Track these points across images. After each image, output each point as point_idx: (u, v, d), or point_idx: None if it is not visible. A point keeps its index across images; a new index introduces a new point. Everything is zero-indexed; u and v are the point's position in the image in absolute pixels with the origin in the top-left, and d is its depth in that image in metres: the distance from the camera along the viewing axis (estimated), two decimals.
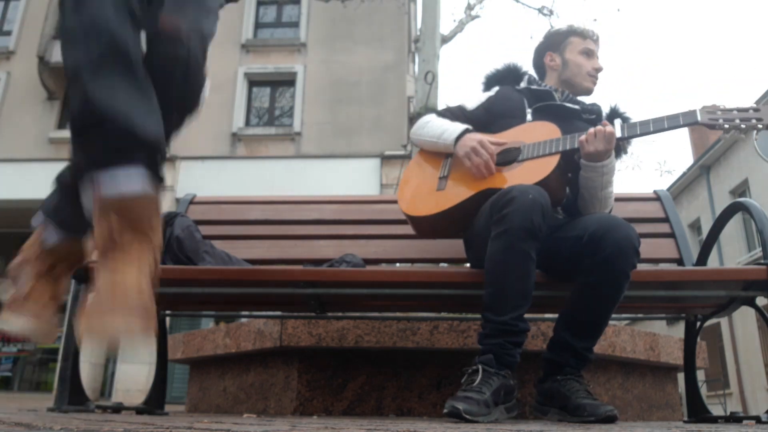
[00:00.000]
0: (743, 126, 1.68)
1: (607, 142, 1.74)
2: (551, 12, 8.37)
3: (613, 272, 1.59)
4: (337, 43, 11.95)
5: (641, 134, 1.75)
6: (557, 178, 1.77)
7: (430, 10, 6.29)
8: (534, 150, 1.81)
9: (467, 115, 2.07)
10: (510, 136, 1.92)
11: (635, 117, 2.05)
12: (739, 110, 1.70)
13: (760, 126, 1.66)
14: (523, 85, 2.13)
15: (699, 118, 1.70)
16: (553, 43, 2.15)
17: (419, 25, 6.53)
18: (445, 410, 1.41)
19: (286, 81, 12.00)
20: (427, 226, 1.92)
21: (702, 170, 17.83)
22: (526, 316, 1.59)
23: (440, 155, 2.00)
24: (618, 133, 1.76)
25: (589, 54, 2.10)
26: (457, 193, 1.85)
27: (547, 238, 1.66)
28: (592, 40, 2.12)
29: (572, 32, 2.14)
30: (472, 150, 1.83)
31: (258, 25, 12.64)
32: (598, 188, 1.82)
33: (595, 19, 18.44)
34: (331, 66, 11.79)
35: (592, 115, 2.05)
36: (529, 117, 2.00)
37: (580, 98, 2.12)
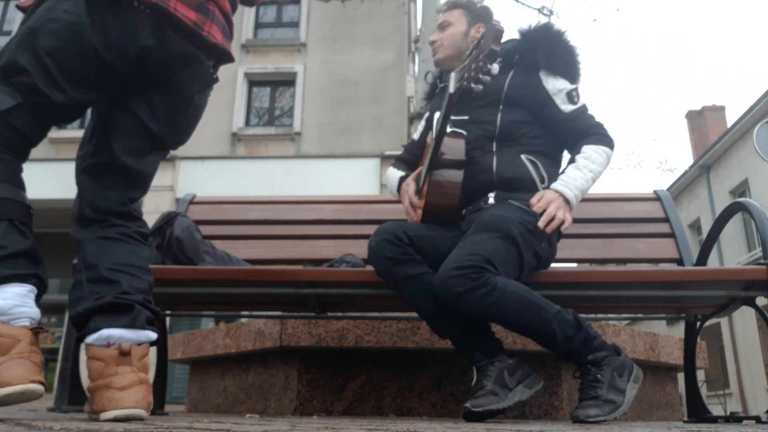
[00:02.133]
0: (477, 75, 1.50)
1: (556, 210, 1.71)
2: (551, 12, 8.37)
3: (451, 304, 1.58)
4: (337, 43, 11.95)
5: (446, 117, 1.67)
6: (438, 192, 1.76)
7: (430, 10, 6.29)
8: (422, 174, 1.90)
9: (417, 146, 2.19)
10: (424, 160, 1.97)
11: (546, 24, 1.95)
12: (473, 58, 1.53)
13: (489, 66, 1.47)
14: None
15: (451, 90, 1.60)
16: None
17: (419, 25, 6.53)
18: (462, 418, 1.47)
19: (286, 81, 12.00)
20: None
21: (702, 170, 17.83)
22: None
23: None
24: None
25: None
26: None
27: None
28: (439, 17, 2.10)
29: None
30: (407, 195, 1.97)
31: (258, 25, 12.64)
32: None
33: (595, 20, 18.49)
34: (331, 66, 11.79)
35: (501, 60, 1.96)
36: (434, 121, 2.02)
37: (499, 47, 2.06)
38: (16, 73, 1.27)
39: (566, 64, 1.89)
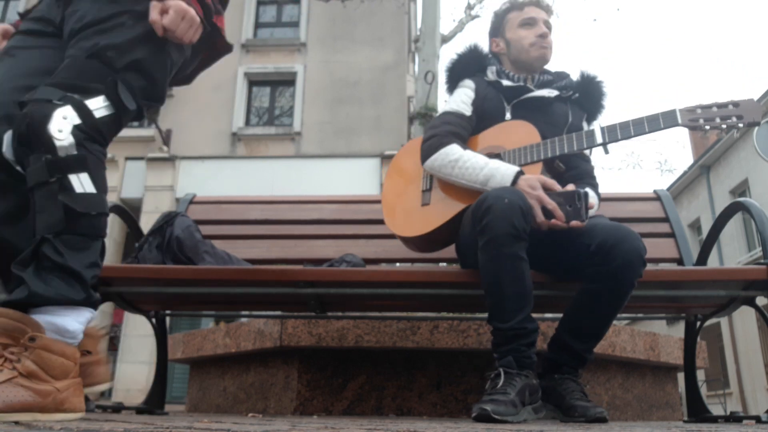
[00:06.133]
0: (724, 126, 1.65)
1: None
2: (551, 12, 8.36)
3: (620, 283, 1.60)
4: (337, 43, 11.95)
5: (622, 138, 1.73)
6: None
7: (430, 10, 6.29)
8: (514, 158, 1.80)
9: (471, 125, 2.00)
10: (490, 138, 1.91)
11: (605, 81, 2.05)
12: (719, 107, 1.67)
13: (740, 125, 1.64)
14: (491, 77, 2.03)
15: (679, 120, 1.67)
16: (495, 27, 2.11)
17: (419, 25, 6.53)
18: (473, 414, 1.41)
19: (286, 81, 12.01)
20: (422, 244, 1.95)
21: (702, 170, 17.83)
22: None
23: (417, 166, 1.97)
24: (599, 139, 1.75)
25: (530, 23, 2.02)
26: (444, 209, 1.84)
27: (545, 238, 1.65)
28: (533, 7, 2.05)
29: (509, 9, 2.08)
30: (537, 201, 1.63)
31: (258, 25, 12.64)
32: None
33: (595, 20, 18.49)
34: (331, 66, 11.80)
35: (569, 92, 2.00)
36: (508, 116, 1.96)
37: (550, 69, 2.09)
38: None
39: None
